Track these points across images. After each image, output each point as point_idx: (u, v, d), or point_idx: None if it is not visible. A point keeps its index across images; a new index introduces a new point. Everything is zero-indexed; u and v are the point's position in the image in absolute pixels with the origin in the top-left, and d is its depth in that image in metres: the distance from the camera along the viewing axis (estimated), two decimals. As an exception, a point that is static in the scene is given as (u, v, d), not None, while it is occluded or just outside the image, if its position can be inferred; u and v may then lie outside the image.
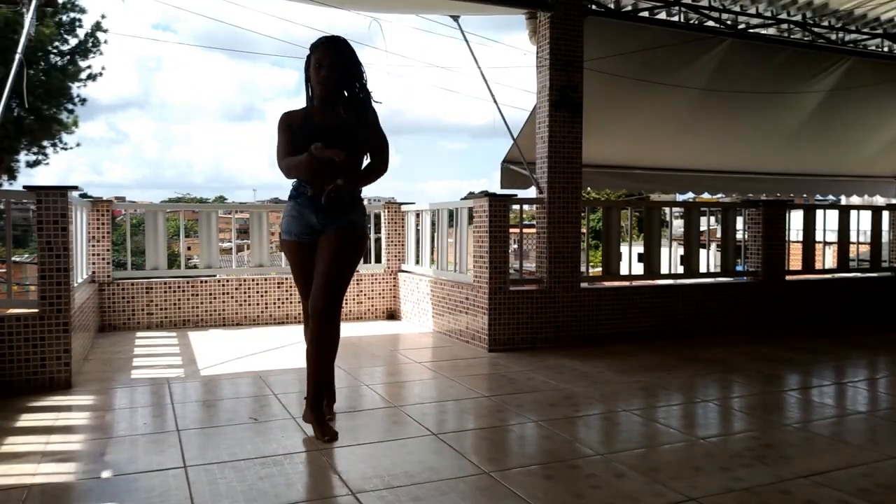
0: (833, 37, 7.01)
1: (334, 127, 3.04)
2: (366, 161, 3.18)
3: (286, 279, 6.35)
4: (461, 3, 5.29)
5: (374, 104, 3.15)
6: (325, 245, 3.05)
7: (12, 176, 15.34)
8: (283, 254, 3.18)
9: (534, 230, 5.61)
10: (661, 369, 4.45)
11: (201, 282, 6.14)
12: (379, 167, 3.15)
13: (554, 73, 5.20)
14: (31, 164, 15.56)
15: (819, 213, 6.69)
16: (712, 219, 7.22)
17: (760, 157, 7.57)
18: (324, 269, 3.02)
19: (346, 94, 3.10)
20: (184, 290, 6.06)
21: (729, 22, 6.54)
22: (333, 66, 3.02)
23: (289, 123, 3.11)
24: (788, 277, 6.29)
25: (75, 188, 3.98)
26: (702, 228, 6.22)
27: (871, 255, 6.99)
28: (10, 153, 14.85)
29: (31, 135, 14.91)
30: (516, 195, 5.43)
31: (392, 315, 6.79)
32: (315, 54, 3.06)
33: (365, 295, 6.70)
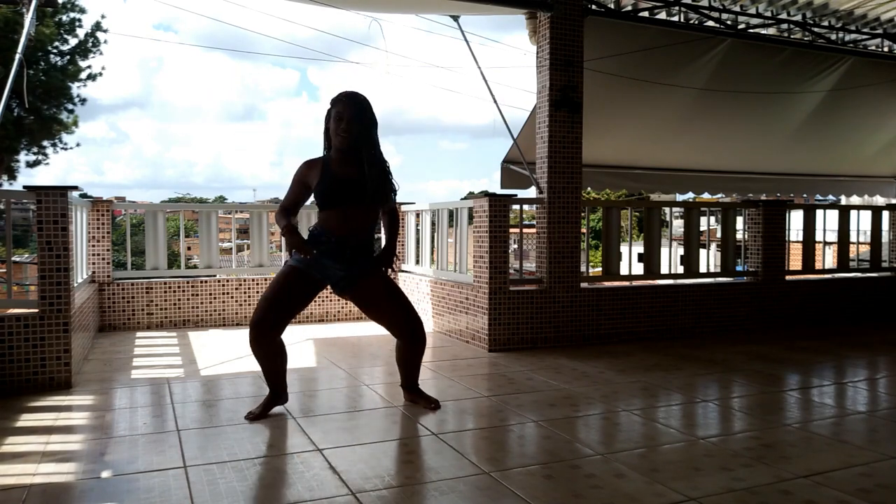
0: (833, 37, 7.01)
1: (355, 179, 3.27)
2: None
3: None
4: (461, 3, 5.29)
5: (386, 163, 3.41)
6: (375, 294, 3.38)
7: (12, 176, 15.33)
8: (280, 272, 3.35)
9: (534, 230, 5.61)
10: (661, 369, 4.45)
11: (201, 282, 6.14)
12: (396, 225, 3.60)
13: (554, 73, 5.20)
14: (31, 164, 15.56)
15: (819, 213, 6.69)
16: (712, 219, 7.22)
17: (760, 157, 7.57)
18: (398, 306, 3.40)
19: (360, 149, 3.30)
20: (184, 290, 6.06)
21: (729, 22, 6.54)
22: (353, 119, 3.23)
23: (306, 178, 3.33)
24: (788, 277, 6.29)
25: (75, 188, 3.98)
26: (702, 228, 6.22)
27: (871, 255, 6.99)
28: (10, 153, 14.85)
29: (31, 135, 14.91)
30: (516, 195, 5.43)
31: (392, 315, 6.78)
32: (336, 108, 3.28)
33: (365, 295, 6.69)
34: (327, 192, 3.26)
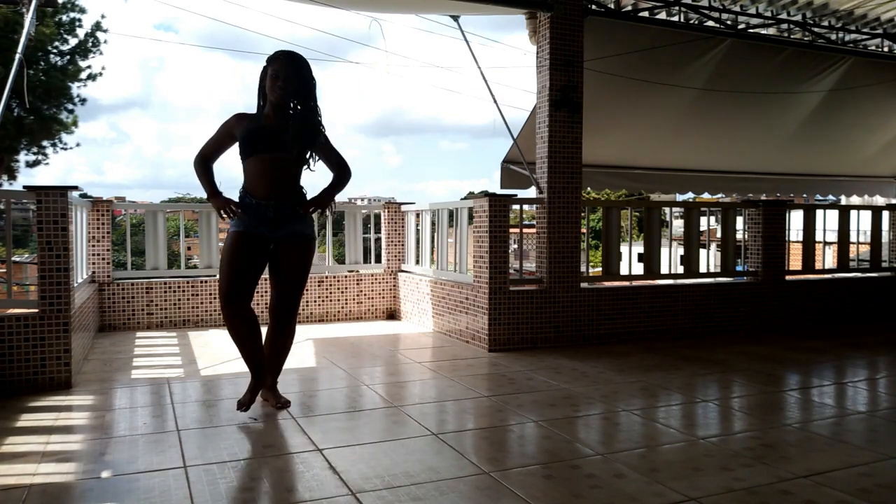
0: (833, 37, 7.01)
1: (281, 130, 3.28)
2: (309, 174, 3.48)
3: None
4: (461, 3, 5.29)
5: (322, 124, 3.40)
6: (284, 260, 3.37)
7: (12, 176, 15.33)
8: (225, 242, 3.39)
9: (534, 230, 5.61)
10: (661, 369, 4.45)
11: (201, 282, 6.14)
12: (343, 176, 3.52)
13: (554, 73, 5.20)
14: (31, 164, 15.55)
15: (819, 213, 6.69)
16: (712, 219, 7.21)
17: (760, 157, 7.57)
18: (288, 286, 3.40)
19: (296, 105, 3.32)
20: (184, 290, 6.06)
21: (729, 22, 6.54)
22: (289, 78, 3.25)
23: (233, 129, 3.34)
24: (788, 277, 6.29)
25: (75, 188, 3.98)
26: (702, 228, 6.22)
27: (871, 255, 6.99)
28: (10, 153, 14.84)
29: (31, 135, 14.90)
30: (516, 195, 5.43)
31: (392, 315, 6.79)
32: (273, 66, 3.29)
33: (365, 295, 6.70)
34: (248, 137, 3.27)
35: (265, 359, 3.46)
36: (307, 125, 3.31)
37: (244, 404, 3.33)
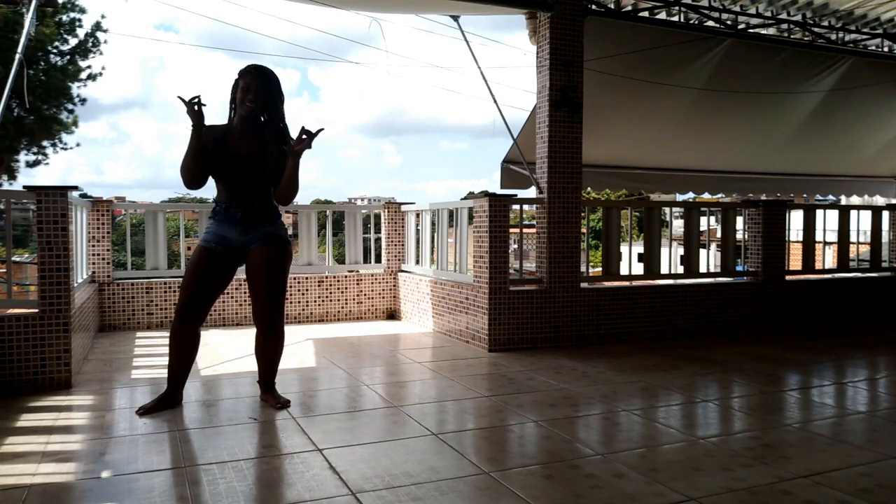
0: (833, 37, 7.01)
1: (248, 153, 3.32)
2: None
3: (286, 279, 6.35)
4: (461, 3, 5.29)
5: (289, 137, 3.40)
6: (257, 263, 3.37)
7: (12, 176, 15.33)
8: (191, 255, 3.43)
9: (534, 230, 5.61)
10: (661, 369, 4.45)
11: (201, 282, 6.13)
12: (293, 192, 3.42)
13: (554, 73, 5.20)
14: (30, 164, 15.55)
15: (819, 213, 6.69)
16: (712, 219, 7.21)
17: (760, 157, 7.57)
18: (265, 289, 3.38)
19: (264, 119, 3.36)
20: (184, 290, 6.05)
21: (729, 22, 6.54)
22: (259, 91, 3.30)
23: (205, 141, 3.31)
24: (788, 277, 6.29)
25: (75, 188, 3.98)
26: (702, 228, 6.22)
27: (871, 255, 6.99)
28: (10, 153, 14.84)
29: (31, 135, 14.89)
30: (516, 195, 5.43)
31: (392, 315, 6.79)
32: (244, 79, 3.32)
33: (365, 295, 6.70)
34: (218, 167, 3.32)
35: (261, 367, 3.56)
36: (278, 141, 3.34)
37: (145, 411, 3.33)
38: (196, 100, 3.19)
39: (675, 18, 6.34)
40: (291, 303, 6.36)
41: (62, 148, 15.63)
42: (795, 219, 6.83)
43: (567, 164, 5.26)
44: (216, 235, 3.37)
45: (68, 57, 15.28)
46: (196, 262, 3.35)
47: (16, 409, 3.43)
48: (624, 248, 5.89)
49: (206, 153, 3.29)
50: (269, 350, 3.52)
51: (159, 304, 5.98)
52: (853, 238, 6.85)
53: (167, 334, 5.64)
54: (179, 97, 3.20)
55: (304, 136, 3.26)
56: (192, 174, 3.27)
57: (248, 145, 3.34)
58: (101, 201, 5.88)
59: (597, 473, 2.61)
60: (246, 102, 3.29)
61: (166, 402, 3.43)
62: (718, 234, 6.48)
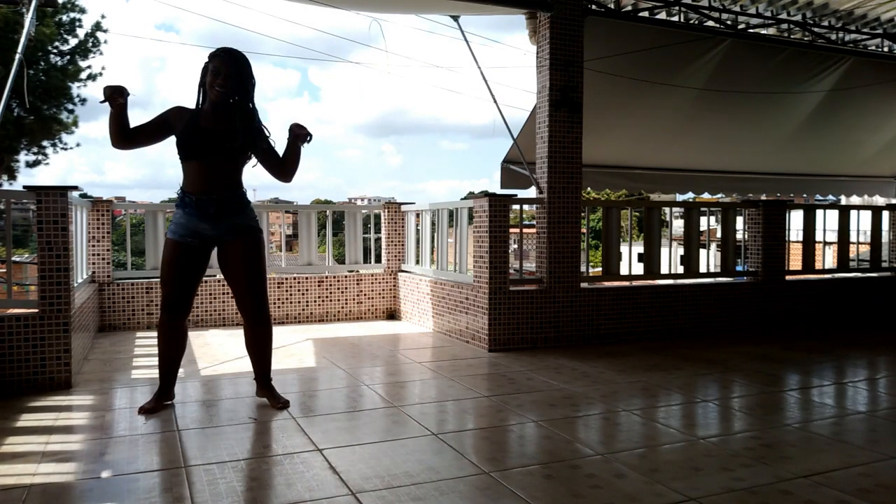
0: (833, 37, 7.01)
1: (221, 130, 3.27)
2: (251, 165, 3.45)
3: (285, 279, 6.36)
4: (461, 3, 5.29)
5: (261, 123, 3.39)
6: (233, 256, 3.36)
7: (12, 176, 15.33)
8: (163, 252, 3.40)
9: (534, 230, 5.61)
10: (661, 369, 4.45)
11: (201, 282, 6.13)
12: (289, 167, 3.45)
13: (554, 73, 5.20)
14: (30, 164, 15.55)
15: (819, 213, 6.68)
16: (712, 219, 7.21)
17: (760, 157, 7.57)
18: (245, 279, 3.37)
19: (234, 101, 3.30)
20: (184, 290, 6.05)
21: (729, 22, 6.54)
22: (230, 75, 3.23)
23: (169, 120, 3.30)
24: (788, 277, 6.29)
25: (75, 188, 3.98)
26: (702, 228, 6.22)
27: (871, 255, 6.99)
28: (10, 153, 14.84)
29: (31, 135, 14.90)
30: (516, 195, 5.43)
31: (392, 315, 6.79)
32: (213, 62, 3.27)
33: (365, 295, 6.70)
34: (188, 141, 3.26)
35: (253, 361, 3.54)
36: (249, 123, 3.33)
37: (146, 410, 3.35)
38: (118, 92, 3.14)
39: (675, 18, 6.34)
40: (291, 303, 6.36)
41: (62, 148, 15.64)
42: (795, 219, 6.83)
43: (567, 164, 5.26)
44: (188, 230, 3.30)
45: (68, 57, 15.28)
46: (172, 259, 3.32)
47: (16, 409, 3.43)
48: (624, 248, 5.89)
49: (159, 136, 3.29)
50: (259, 340, 3.49)
51: (159, 304, 5.97)
52: (853, 238, 6.84)
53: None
54: (105, 88, 3.14)
55: (299, 130, 3.35)
56: (118, 134, 3.20)
57: (220, 124, 3.29)
58: (101, 201, 5.88)
59: (597, 473, 2.61)
60: (216, 87, 3.23)
61: (163, 398, 3.45)
62: (718, 234, 6.48)
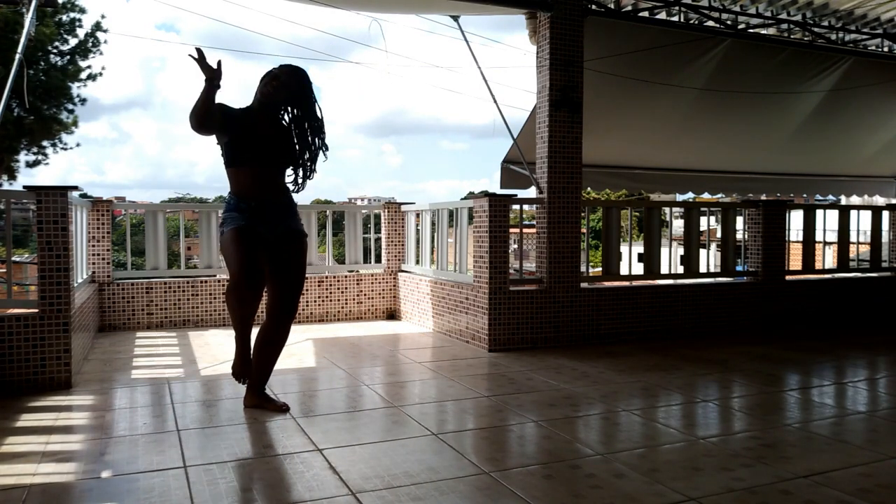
0: (833, 37, 7.01)
1: (274, 136, 3.33)
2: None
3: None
4: (461, 3, 5.29)
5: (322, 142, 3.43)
6: (283, 257, 3.37)
7: (12, 176, 15.33)
8: (226, 240, 3.29)
9: (534, 230, 5.61)
10: (661, 369, 4.45)
11: (201, 282, 6.14)
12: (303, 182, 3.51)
13: (554, 73, 5.20)
14: (30, 164, 15.56)
15: (819, 213, 6.68)
16: (712, 219, 7.22)
17: (760, 157, 7.57)
18: (290, 279, 3.39)
19: (292, 111, 3.37)
20: (184, 290, 6.06)
21: (729, 22, 6.54)
22: (287, 83, 3.29)
23: (233, 117, 3.28)
24: (788, 277, 6.29)
25: (75, 188, 3.98)
26: (702, 228, 6.22)
27: (871, 255, 6.99)
28: (10, 153, 14.84)
29: (31, 135, 14.90)
30: (516, 195, 5.43)
31: (392, 315, 6.79)
32: (275, 69, 3.34)
33: (365, 295, 6.70)
34: (237, 144, 3.25)
35: (253, 366, 3.46)
36: (313, 148, 3.38)
37: (241, 375, 3.40)
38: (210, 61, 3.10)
39: (675, 18, 6.34)
40: (291, 303, 6.35)
41: (62, 148, 15.65)
42: (795, 219, 6.83)
43: (567, 164, 5.26)
44: (248, 221, 3.27)
45: (68, 57, 15.29)
46: (235, 239, 3.23)
47: (16, 409, 3.43)
48: (624, 248, 5.89)
49: (221, 130, 3.26)
50: (280, 333, 3.42)
51: (159, 304, 5.98)
52: (853, 238, 6.84)
53: (167, 334, 5.69)
54: (190, 55, 3.09)
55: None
56: (201, 116, 3.10)
57: (270, 128, 3.33)
58: (101, 201, 5.88)
59: (597, 473, 2.61)
60: (268, 87, 3.28)
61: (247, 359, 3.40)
62: (718, 234, 6.48)
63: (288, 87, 3.30)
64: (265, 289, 3.36)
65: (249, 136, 3.28)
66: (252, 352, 3.45)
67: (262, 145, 3.29)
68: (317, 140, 3.41)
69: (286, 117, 3.39)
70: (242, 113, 3.33)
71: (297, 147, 3.38)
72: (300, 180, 3.46)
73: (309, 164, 3.43)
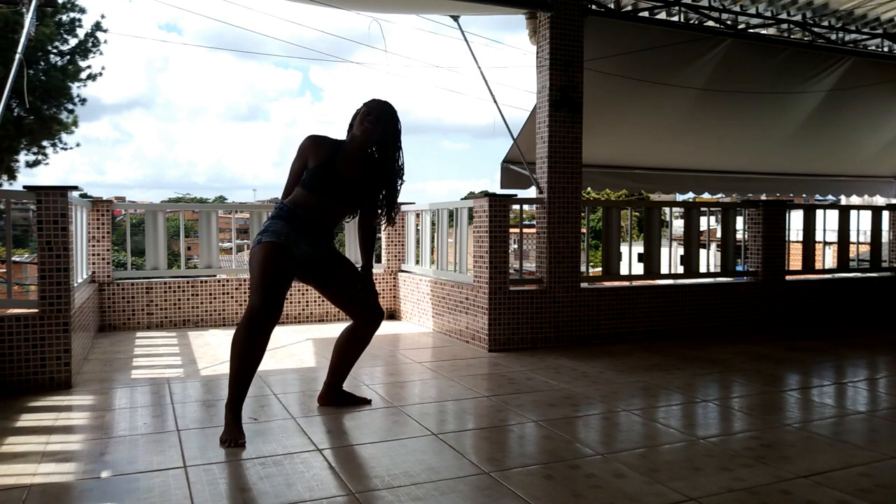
0: (833, 37, 7.01)
1: (355, 180, 3.28)
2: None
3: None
4: (461, 3, 5.29)
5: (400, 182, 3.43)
6: (331, 267, 3.33)
7: (12, 176, 15.34)
8: (259, 253, 3.09)
9: (534, 230, 5.61)
10: (661, 369, 4.45)
11: (201, 282, 6.14)
12: (374, 236, 3.58)
13: (554, 73, 5.20)
14: (30, 164, 15.57)
15: (819, 213, 6.69)
16: (712, 219, 7.22)
17: (760, 157, 7.57)
18: (369, 290, 3.41)
19: (377, 155, 3.34)
20: (184, 290, 6.06)
21: (729, 22, 6.54)
22: (380, 119, 3.26)
23: (307, 155, 3.27)
24: (788, 277, 6.29)
25: (75, 188, 3.98)
26: (702, 228, 6.22)
27: (871, 255, 6.99)
28: (10, 153, 14.85)
29: (31, 135, 14.91)
30: (516, 195, 5.43)
31: (392, 315, 6.79)
32: (368, 105, 3.31)
33: (365, 295, 6.69)
34: (318, 178, 3.20)
35: (335, 362, 3.52)
36: (382, 178, 3.35)
37: (241, 444, 2.92)
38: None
39: (675, 18, 6.34)
40: (291, 303, 6.36)
41: (62, 148, 15.66)
42: (795, 219, 6.83)
43: (567, 164, 5.26)
44: (289, 238, 3.13)
45: (68, 57, 15.29)
46: (269, 258, 3.05)
47: (16, 409, 3.43)
48: (624, 248, 5.89)
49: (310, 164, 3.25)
50: (370, 334, 3.48)
51: (159, 304, 5.98)
52: (853, 238, 6.85)
53: (167, 334, 5.69)
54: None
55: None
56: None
57: (356, 172, 3.28)
58: (101, 201, 5.88)
59: (597, 473, 2.61)
60: (365, 123, 3.24)
61: (238, 418, 3.00)
62: (718, 234, 6.48)
63: (383, 123, 3.27)
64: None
65: (336, 177, 3.23)
66: (334, 350, 3.50)
67: (347, 189, 3.25)
68: (398, 181, 3.40)
69: (376, 155, 3.33)
70: (336, 146, 3.29)
71: (382, 191, 3.37)
72: (390, 217, 3.46)
73: (395, 205, 3.44)
